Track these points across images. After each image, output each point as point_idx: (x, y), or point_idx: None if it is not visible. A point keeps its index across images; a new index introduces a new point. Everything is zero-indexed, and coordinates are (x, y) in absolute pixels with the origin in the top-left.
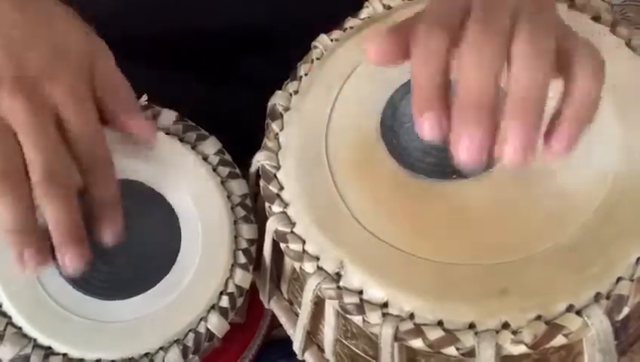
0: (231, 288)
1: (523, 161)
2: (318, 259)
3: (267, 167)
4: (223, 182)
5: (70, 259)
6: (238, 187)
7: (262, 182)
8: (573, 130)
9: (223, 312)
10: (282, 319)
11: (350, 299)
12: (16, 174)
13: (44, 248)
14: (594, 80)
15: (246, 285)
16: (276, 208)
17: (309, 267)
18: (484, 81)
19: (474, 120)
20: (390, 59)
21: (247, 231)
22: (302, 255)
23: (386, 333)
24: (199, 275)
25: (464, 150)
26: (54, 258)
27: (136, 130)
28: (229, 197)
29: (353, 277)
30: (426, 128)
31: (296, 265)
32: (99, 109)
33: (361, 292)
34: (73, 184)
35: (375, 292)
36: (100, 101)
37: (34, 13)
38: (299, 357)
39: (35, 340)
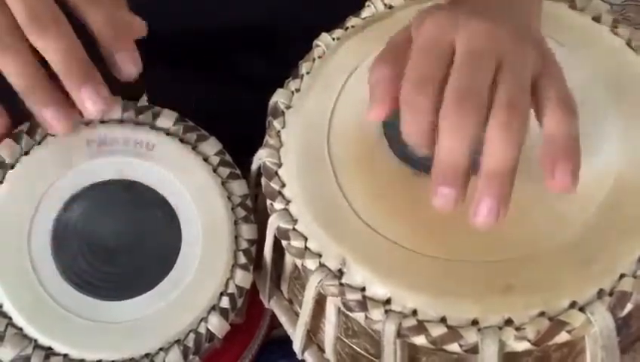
0: (231, 289)
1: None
2: (320, 256)
3: (269, 164)
4: (223, 183)
5: (90, 98)
6: (239, 187)
7: (263, 180)
8: (569, 170)
9: (224, 313)
10: (282, 318)
11: (352, 296)
12: (10, 30)
13: (63, 101)
14: (566, 122)
15: (246, 285)
16: (278, 205)
17: (311, 264)
18: (459, 149)
19: (449, 182)
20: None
21: (248, 231)
22: (304, 252)
23: (388, 330)
24: (199, 276)
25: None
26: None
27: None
28: (229, 197)
29: (356, 274)
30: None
31: (298, 262)
32: None
33: (363, 289)
34: (64, 19)
35: (378, 288)
36: None
37: None
38: (299, 356)
39: (35, 341)
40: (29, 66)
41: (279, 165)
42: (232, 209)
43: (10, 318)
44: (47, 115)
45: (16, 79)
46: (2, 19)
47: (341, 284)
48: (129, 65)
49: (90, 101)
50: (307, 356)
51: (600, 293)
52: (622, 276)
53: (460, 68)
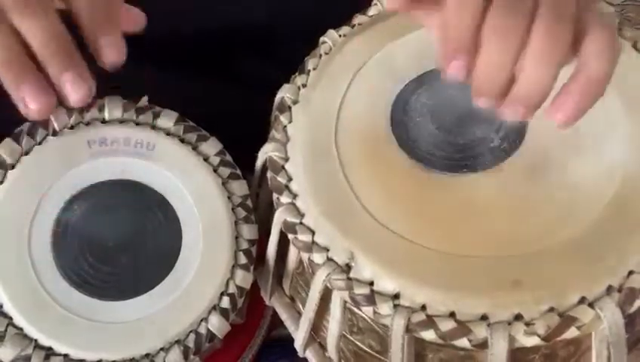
0: (232, 289)
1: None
2: (327, 250)
3: (275, 158)
4: (223, 183)
5: (72, 83)
6: (239, 188)
7: (269, 174)
8: (575, 103)
9: (224, 313)
10: (283, 316)
11: (361, 290)
12: None
13: (42, 80)
14: (602, 60)
15: (247, 286)
16: (285, 199)
17: (318, 258)
18: (503, 65)
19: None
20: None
21: (248, 231)
22: (311, 246)
23: (397, 325)
24: (200, 276)
25: None
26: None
27: (125, 25)
28: (229, 198)
29: (364, 269)
30: (454, 69)
31: (305, 256)
32: None
33: (371, 284)
34: (50, 2)
35: (386, 283)
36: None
37: None
38: (300, 354)
39: (36, 341)
40: (9, 47)
41: (286, 159)
42: (233, 209)
43: (10, 318)
44: (24, 93)
45: None
46: None
47: (349, 278)
48: (112, 52)
49: (72, 86)
50: (309, 354)
51: (609, 290)
52: (630, 273)
53: None
